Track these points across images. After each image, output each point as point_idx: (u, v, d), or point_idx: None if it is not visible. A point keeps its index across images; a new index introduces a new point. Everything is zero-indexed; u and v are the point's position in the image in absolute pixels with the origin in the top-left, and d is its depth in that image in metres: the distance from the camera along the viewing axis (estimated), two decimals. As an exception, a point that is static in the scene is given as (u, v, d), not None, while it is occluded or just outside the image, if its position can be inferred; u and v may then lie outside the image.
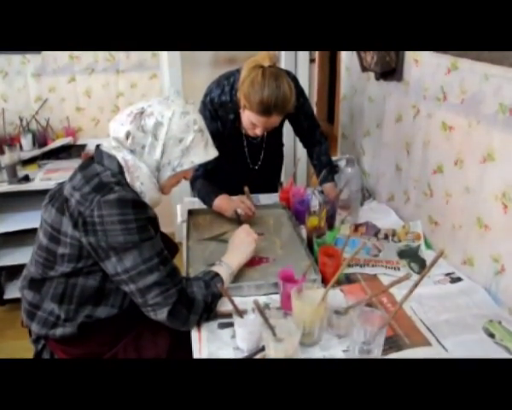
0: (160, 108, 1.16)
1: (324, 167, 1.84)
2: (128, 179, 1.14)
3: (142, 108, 1.17)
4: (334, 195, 1.70)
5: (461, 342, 1.09)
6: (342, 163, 1.95)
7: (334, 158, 2.04)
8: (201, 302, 1.13)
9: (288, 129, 1.98)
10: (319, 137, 1.91)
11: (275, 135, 1.90)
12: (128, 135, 1.14)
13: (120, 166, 1.14)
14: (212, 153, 1.26)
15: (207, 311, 1.15)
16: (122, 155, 1.14)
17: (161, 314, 1.09)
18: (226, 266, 1.26)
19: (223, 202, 1.69)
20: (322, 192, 1.86)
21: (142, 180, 1.15)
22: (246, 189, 1.71)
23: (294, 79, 1.75)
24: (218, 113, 1.74)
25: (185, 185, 3.19)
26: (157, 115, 1.15)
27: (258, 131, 1.60)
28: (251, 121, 1.57)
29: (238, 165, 1.88)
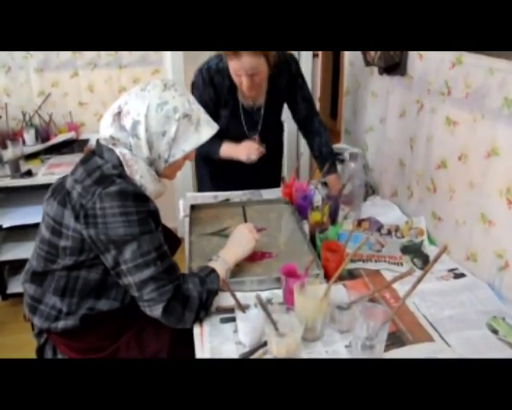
0: (136, 104, 1.13)
1: (326, 159, 1.84)
2: (128, 173, 1.14)
3: (119, 106, 1.15)
4: (339, 187, 1.70)
5: (464, 338, 1.09)
6: (346, 155, 1.94)
7: (338, 145, 2.04)
8: (196, 299, 1.12)
9: (290, 126, 1.98)
10: (318, 127, 1.91)
11: (272, 108, 1.89)
12: (112, 138, 1.14)
13: (120, 159, 1.14)
14: (206, 133, 1.21)
15: (203, 308, 1.14)
16: (119, 150, 1.14)
17: (156, 311, 1.09)
18: (223, 262, 1.24)
19: (231, 148, 1.77)
20: (325, 184, 1.85)
21: (141, 173, 1.15)
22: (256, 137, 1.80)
23: (295, 61, 1.83)
24: (214, 80, 1.76)
25: (187, 180, 3.19)
26: (133, 114, 1.12)
27: (244, 81, 1.62)
28: (233, 70, 1.63)
29: (235, 132, 1.87)
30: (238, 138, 1.85)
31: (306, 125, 1.94)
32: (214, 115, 1.76)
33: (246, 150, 1.75)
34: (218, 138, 1.64)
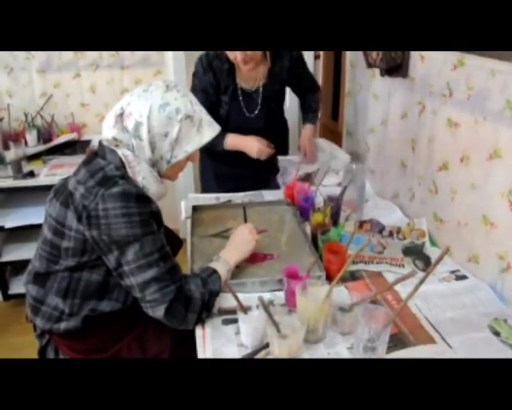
0: (139, 105, 1.13)
1: (310, 110, 2.03)
2: (130, 174, 1.14)
3: (121, 108, 1.15)
4: (309, 135, 1.99)
5: (466, 340, 1.09)
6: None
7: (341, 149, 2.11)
8: (199, 300, 1.12)
9: (292, 127, 2.00)
10: (315, 89, 2.10)
11: (272, 91, 1.93)
12: (115, 139, 1.15)
13: (122, 161, 1.14)
14: (208, 134, 1.21)
15: (205, 309, 1.14)
16: (122, 152, 1.14)
17: (159, 312, 1.09)
18: (224, 263, 1.24)
19: (238, 139, 1.85)
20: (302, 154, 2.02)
21: (143, 175, 1.15)
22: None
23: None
24: (213, 64, 1.81)
25: (189, 182, 3.19)
26: (135, 115, 1.13)
27: (238, 55, 1.68)
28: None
29: (236, 116, 1.92)
30: (239, 124, 1.90)
31: (306, 92, 2.08)
32: (216, 102, 1.85)
33: (257, 148, 1.83)
34: (224, 131, 1.70)
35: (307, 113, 2.07)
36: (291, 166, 2.00)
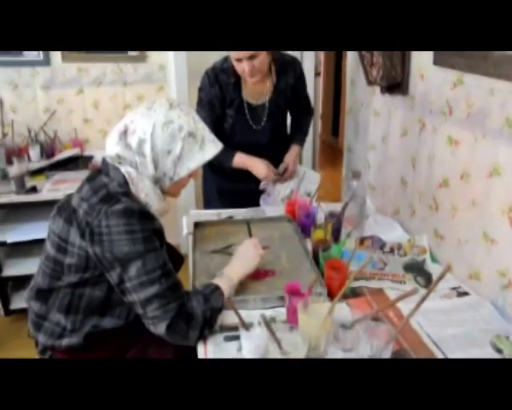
0: (142, 123, 1.14)
1: (301, 134, 2.06)
2: (133, 191, 1.15)
3: (125, 125, 1.17)
4: (295, 156, 2.00)
5: (468, 357, 1.08)
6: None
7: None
8: (200, 317, 1.12)
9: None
10: (309, 110, 2.12)
11: (277, 105, 1.95)
12: (118, 156, 1.16)
13: (125, 178, 1.15)
14: (210, 151, 1.23)
15: (208, 326, 1.14)
16: (125, 169, 1.16)
17: (160, 328, 1.09)
18: (227, 279, 1.24)
19: (246, 159, 1.87)
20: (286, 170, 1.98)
21: (146, 192, 1.16)
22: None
23: (298, 62, 1.96)
24: (219, 77, 1.83)
25: (190, 197, 3.19)
26: (139, 132, 1.14)
27: (246, 67, 1.70)
28: (234, 57, 1.71)
29: (241, 130, 1.94)
30: (244, 137, 1.92)
31: (301, 112, 2.09)
32: (221, 116, 1.88)
33: (265, 171, 1.85)
34: (228, 145, 1.71)
35: (297, 134, 2.08)
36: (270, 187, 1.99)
